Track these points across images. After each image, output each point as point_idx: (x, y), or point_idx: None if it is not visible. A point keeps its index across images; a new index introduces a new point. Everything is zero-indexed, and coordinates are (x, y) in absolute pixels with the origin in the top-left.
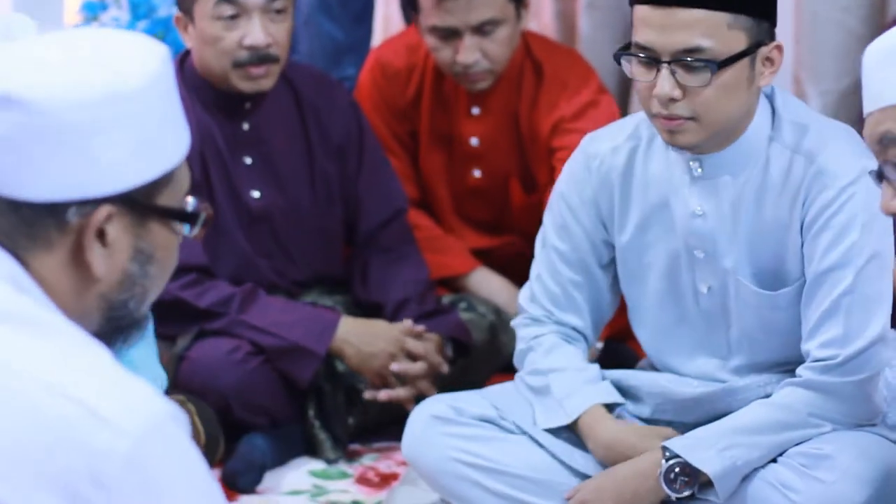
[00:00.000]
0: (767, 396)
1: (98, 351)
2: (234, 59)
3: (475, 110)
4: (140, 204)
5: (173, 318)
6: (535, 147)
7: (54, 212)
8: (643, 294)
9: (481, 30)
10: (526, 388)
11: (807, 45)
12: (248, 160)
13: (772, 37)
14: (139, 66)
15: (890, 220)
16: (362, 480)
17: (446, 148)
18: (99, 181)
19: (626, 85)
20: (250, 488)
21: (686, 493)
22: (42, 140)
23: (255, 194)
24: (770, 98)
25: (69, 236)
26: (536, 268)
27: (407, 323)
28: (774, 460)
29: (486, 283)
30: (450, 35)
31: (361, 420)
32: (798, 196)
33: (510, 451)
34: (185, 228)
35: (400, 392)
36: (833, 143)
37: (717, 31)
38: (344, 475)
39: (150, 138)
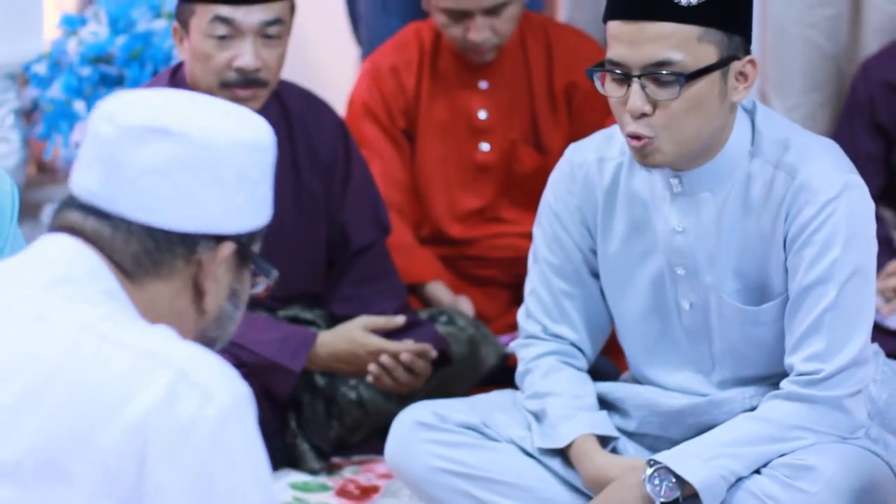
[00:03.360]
0: (752, 409)
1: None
2: (221, 79)
3: (483, 84)
4: (246, 248)
5: None
6: (551, 106)
7: (187, 242)
8: (627, 307)
9: (493, 11)
10: (526, 411)
11: (773, 62)
12: None
13: (746, 51)
14: (264, 124)
15: (873, 235)
16: (343, 493)
17: (449, 130)
18: (230, 219)
19: None
20: None
21: (673, 498)
22: (196, 173)
23: None
24: (750, 113)
25: (191, 268)
26: (530, 283)
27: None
28: (758, 471)
29: (438, 296)
30: (461, 16)
31: (342, 431)
32: (780, 211)
33: (494, 458)
34: (263, 281)
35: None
36: (815, 157)
37: (687, 45)
38: (324, 488)
39: (265, 189)
